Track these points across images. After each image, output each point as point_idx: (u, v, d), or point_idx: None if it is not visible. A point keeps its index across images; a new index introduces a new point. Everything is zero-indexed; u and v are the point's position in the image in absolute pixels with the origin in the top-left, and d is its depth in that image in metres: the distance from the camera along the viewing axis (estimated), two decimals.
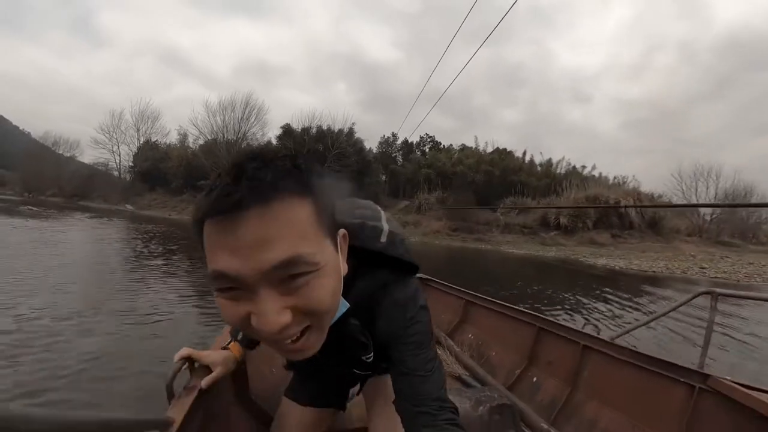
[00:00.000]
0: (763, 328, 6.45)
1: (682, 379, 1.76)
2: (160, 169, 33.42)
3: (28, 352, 3.33)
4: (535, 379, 2.40)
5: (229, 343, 1.10)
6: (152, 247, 11.01)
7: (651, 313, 6.88)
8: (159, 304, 5.18)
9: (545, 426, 1.92)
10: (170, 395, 0.94)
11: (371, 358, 0.83)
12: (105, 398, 2.72)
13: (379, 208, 0.86)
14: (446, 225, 24.69)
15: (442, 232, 24.18)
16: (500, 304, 2.99)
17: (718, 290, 2.16)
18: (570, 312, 7.03)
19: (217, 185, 0.48)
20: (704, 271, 16.03)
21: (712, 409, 1.63)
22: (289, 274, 0.49)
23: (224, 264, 0.48)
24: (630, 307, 7.94)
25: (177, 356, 1.00)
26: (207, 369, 1.02)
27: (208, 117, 34.86)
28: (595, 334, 2.30)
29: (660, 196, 30.20)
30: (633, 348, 2.08)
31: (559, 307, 7.30)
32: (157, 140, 39.03)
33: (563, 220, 24.35)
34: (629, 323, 6.32)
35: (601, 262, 17.15)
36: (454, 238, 23.63)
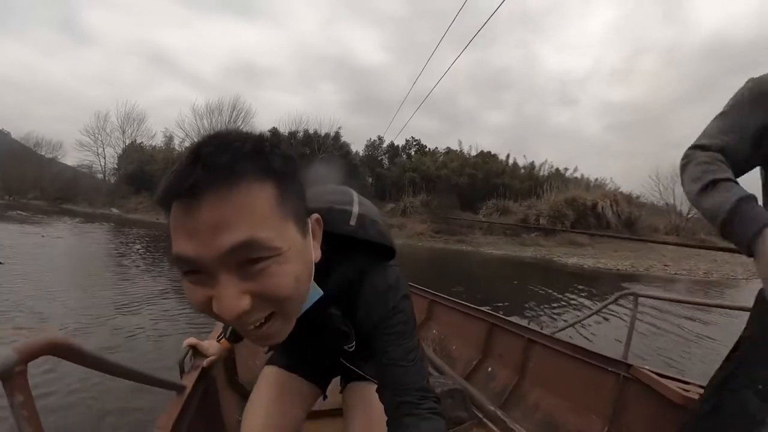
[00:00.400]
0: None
1: (610, 369, 1.92)
2: (145, 171, 33.16)
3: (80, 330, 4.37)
4: (489, 369, 2.60)
5: (220, 338, 1.27)
6: (152, 250, 11.83)
7: (596, 303, 7.61)
8: (171, 296, 6.12)
9: (492, 408, 2.13)
10: (181, 371, 1.20)
11: (353, 347, 0.82)
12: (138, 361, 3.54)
13: (353, 192, 0.84)
14: (430, 227, 25.23)
15: (425, 234, 24.76)
16: (459, 303, 3.21)
17: (639, 292, 2.54)
18: (525, 303, 7.86)
19: (177, 169, 0.48)
20: (666, 268, 16.95)
21: (634, 396, 1.80)
22: (247, 259, 0.48)
23: (184, 247, 0.48)
24: (582, 298, 8.85)
25: (185, 343, 1.23)
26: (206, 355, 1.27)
27: (195, 120, 35.08)
28: (538, 329, 2.54)
29: (638, 197, 31.19)
30: (571, 341, 2.29)
31: (515, 300, 8.14)
32: (142, 142, 38.73)
33: (543, 221, 25.15)
34: (579, 313, 7.09)
35: (572, 261, 18.04)
36: (437, 240, 24.25)
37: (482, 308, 3.05)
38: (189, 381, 1.17)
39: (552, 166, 34.50)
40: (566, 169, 34.08)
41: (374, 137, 36.32)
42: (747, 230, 0.75)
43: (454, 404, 2.05)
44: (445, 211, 25.85)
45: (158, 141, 38.72)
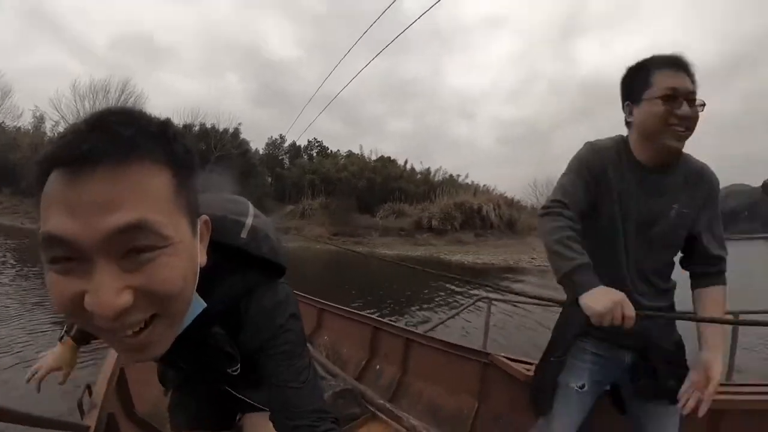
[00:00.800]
0: None
1: (473, 358, 2.25)
2: (7, 160, 26.11)
3: None
4: (377, 367, 2.85)
5: (63, 338, 1.05)
6: (29, 267, 9.33)
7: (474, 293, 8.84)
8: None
9: (382, 402, 2.33)
10: (81, 411, 1.26)
11: (238, 371, 0.77)
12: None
13: (249, 204, 0.81)
14: (328, 230, 25.54)
15: (323, 237, 24.67)
16: (346, 309, 3.51)
17: (492, 296, 3.20)
18: (413, 299, 8.75)
19: (70, 131, 0.43)
20: (533, 261, 19.54)
21: (493, 378, 2.14)
22: (134, 246, 0.43)
23: (60, 224, 0.40)
24: (463, 289, 9.99)
25: (35, 379, 1.03)
26: (107, 388, 1.33)
27: (75, 100, 28.64)
28: (414, 330, 2.92)
29: (519, 201, 34.95)
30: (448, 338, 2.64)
31: (405, 296, 9.00)
32: (4, 123, 30.28)
33: (435, 223, 27.13)
34: (458, 303, 8.10)
35: (456, 258, 19.90)
36: (335, 243, 23.97)
37: (366, 313, 3.45)
38: (90, 420, 1.22)
39: (446, 173, 36.68)
40: (459, 176, 36.54)
41: (276, 135, 35.39)
42: (577, 289, 1.00)
43: (347, 403, 2.24)
44: (343, 214, 26.55)
45: (25, 122, 30.72)
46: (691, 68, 1.07)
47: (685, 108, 1.03)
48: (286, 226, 23.64)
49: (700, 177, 1.17)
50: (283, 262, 0.76)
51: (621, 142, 1.17)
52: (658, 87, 1.05)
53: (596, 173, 1.14)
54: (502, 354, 2.14)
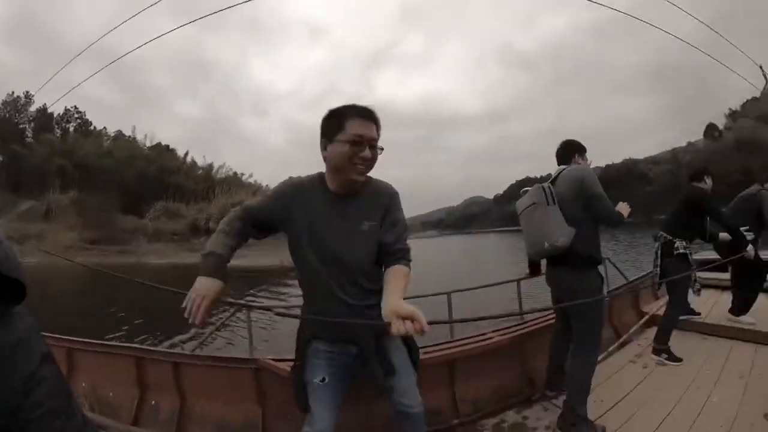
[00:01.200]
0: None
1: (245, 366, 2.34)
2: None
3: None
4: (153, 402, 2.58)
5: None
6: None
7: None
8: None
9: None
10: None
11: None
12: None
13: None
14: (81, 237, 21.75)
15: (75, 247, 20.89)
16: (103, 344, 3.02)
17: (254, 305, 3.98)
18: (178, 313, 8.83)
19: None
20: None
21: (267, 382, 2.26)
22: None
23: None
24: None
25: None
26: None
27: None
28: (180, 351, 2.97)
29: None
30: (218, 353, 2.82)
31: (166, 314, 8.56)
32: None
33: (212, 225, 26.56)
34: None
35: (237, 262, 20.15)
36: (92, 253, 20.79)
37: (126, 344, 3.17)
38: None
39: (231, 170, 35.76)
40: (243, 174, 35.91)
41: (19, 92, 27.73)
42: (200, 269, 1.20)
43: None
44: (102, 215, 23.08)
45: None
46: (377, 120, 1.29)
47: (366, 152, 1.25)
48: (22, 233, 18.84)
49: (381, 194, 1.37)
50: (23, 278, 0.48)
51: (317, 179, 1.38)
52: (349, 132, 1.24)
53: (284, 202, 1.36)
54: (269, 357, 2.24)
